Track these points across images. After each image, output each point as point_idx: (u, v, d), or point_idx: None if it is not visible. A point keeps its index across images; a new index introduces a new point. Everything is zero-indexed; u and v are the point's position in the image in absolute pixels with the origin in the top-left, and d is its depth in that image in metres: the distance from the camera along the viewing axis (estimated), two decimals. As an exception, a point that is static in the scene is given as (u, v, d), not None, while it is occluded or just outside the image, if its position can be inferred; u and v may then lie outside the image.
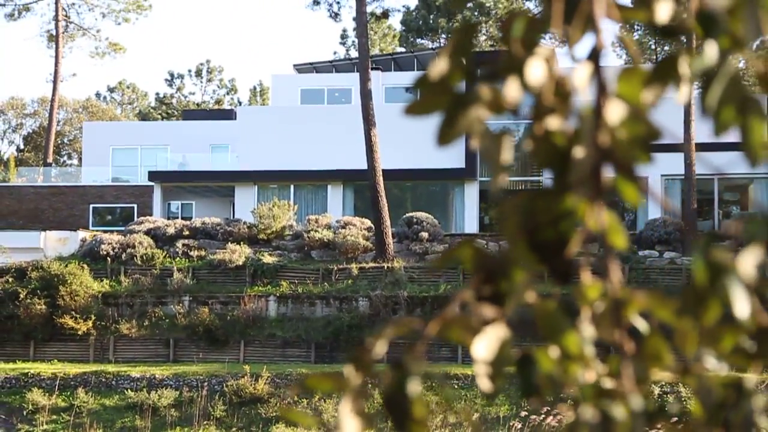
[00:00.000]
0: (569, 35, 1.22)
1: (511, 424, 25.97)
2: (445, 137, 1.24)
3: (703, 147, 37.32)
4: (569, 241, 1.20)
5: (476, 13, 72.99)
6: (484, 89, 1.21)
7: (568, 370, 1.20)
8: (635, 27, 78.43)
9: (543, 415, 25.52)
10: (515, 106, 1.23)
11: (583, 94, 1.25)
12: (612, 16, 1.24)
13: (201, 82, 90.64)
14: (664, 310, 1.23)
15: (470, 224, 43.12)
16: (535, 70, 1.22)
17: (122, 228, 41.29)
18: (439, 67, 1.24)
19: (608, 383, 1.21)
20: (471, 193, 43.70)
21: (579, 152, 1.19)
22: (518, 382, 1.23)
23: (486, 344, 1.23)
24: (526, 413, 25.91)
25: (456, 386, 28.52)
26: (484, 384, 1.21)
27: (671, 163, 39.19)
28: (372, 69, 39.01)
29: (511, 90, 1.22)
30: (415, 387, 1.23)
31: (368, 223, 37.57)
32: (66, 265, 34.35)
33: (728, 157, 39.84)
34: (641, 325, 1.23)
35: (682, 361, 1.25)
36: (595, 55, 1.21)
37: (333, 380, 1.28)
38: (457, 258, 1.25)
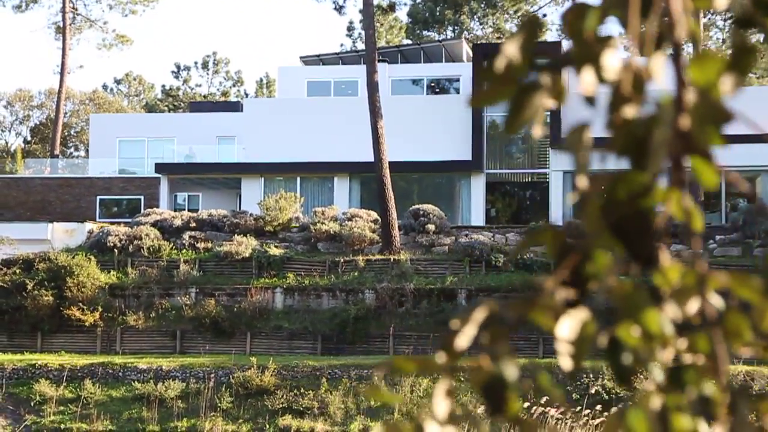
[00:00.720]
0: (637, 26, 1.25)
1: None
2: (512, 126, 1.29)
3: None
4: (651, 225, 1.23)
5: (482, 5, 72.91)
6: (547, 79, 1.24)
7: (653, 348, 1.23)
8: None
9: (544, 406, 25.54)
10: (591, 96, 1.25)
11: (659, 83, 1.30)
12: (686, 6, 1.27)
13: (207, 74, 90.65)
14: (745, 288, 1.26)
15: (477, 216, 43.11)
16: (612, 61, 1.25)
17: (129, 220, 41.35)
18: (506, 58, 1.27)
19: (692, 360, 1.24)
20: (477, 186, 43.68)
21: (658, 138, 1.23)
22: (611, 368, 1.26)
23: (569, 325, 1.26)
24: (529, 404, 25.92)
25: (462, 378, 28.50)
26: (566, 363, 1.24)
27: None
28: (379, 61, 38.99)
29: (587, 80, 1.25)
30: (512, 373, 1.26)
31: (375, 215, 37.58)
32: (73, 257, 34.43)
33: (736, 149, 39.80)
34: (719, 302, 1.27)
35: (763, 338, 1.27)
36: (677, 46, 1.25)
37: (418, 363, 1.31)
38: (539, 242, 1.29)
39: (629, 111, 1.26)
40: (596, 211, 1.25)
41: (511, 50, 1.29)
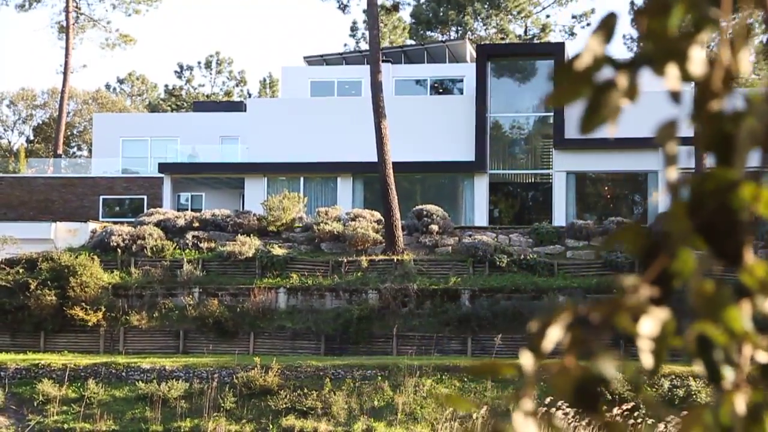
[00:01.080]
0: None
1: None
2: (589, 125, 1.29)
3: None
4: (738, 222, 1.23)
5: (486, 6, 72.90)
6: (622, 78, 1.24)
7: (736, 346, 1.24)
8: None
9: (548, 407, 25.51)
10: (676, 94, 1.24)
11: (747, 77, 1.30)
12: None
13: (210, 73, 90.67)
14: None
15: (480, 217, 43.10)
16: (700, 57, 1.25)
17: (132, 219, 41.37)
18: (586, 57, 1.27)
19: None
20: (481, 186, 43.67)
21: (745, 133, 1.23)
22: (704, 366, 1.26)
23: (651, 323, 1.26)
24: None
25: (465, 379, 28.53)
26: (647, 360, 1.24)
27: (682, 157, 39.09)
28: (382, 61, 38.98)
29: (673, 78, 1.25)
30: (611, 371, 1.26)
31: (378, 215, 37.57)
32: (76, 257, 34.43)
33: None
34: None
35: None
36: None
37: (504, 366, 1.32)
38: (621, 240, 1.29)
39: (717, 106, 1.26)
40: (682, 209, 1.24)
41: (591, 48, 1.28)
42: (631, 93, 1.27)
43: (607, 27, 1.29)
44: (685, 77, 1.27)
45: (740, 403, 1.24)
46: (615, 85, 1.27)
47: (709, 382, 1.27)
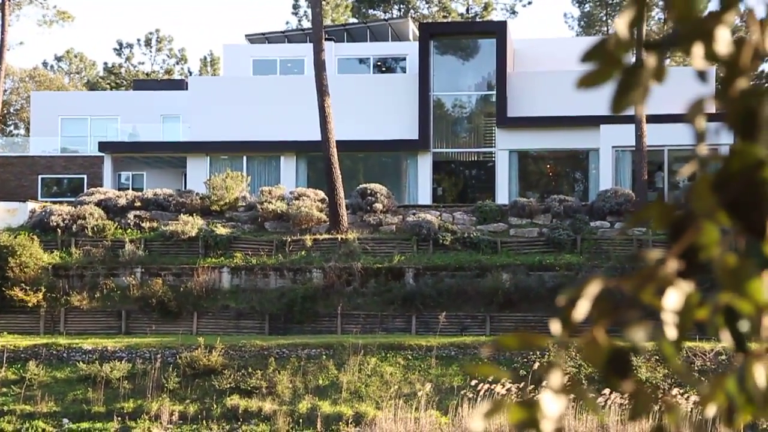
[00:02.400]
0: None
1: (463, 393, 26.16)
2: (619, 106, 1.30)
3: (653, 118, 37.62)
4: (763, 197, 1.24)
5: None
6: (651, 60, 1.24)
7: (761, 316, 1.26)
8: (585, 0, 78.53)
9: (490, 384, 25.75)
10: (703, 73, 1.26)
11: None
12: None
13: (150, 51, 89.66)
14: None
15: (423, 195, 43.20)
16: (726, 38, 1.26)
17: (72, 199, 40.83)
18: (615, 38, 1.27)
19: None
20: (424, 164, 43.75)
21: None
22: (730, 335, 1.29)
23: (675, 295, 1.28)
24: (477, 382, 26.13)
25: (409, 357, 28.64)
26: (671, 332, 1.26)
27: (622, 135, 39.54)
28: (325, 40, 38.80)
29: (698, 57, 1.25)
30: (643, 342, 1.27)
31: (322, 194, 37.49)
32: (15, 237, 33.93)
33: (678, 128, 40.23)
34: None
35: None
36: None
37: (526, 338, 1.31)
38: (649, 216, 1.30)
39: (743, 84, 1.27)
40: (707, 185, 1.25)
41: (620, 29, 1.29)
42: (659, 74, 1.28)
43: (635, 7, 1.29)
44: (712, 57, 1.28)
45: (760, 372, 1.26)
46: (644, 66, 1.28)
47: (736, 349, 1.30)
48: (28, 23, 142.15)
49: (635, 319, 1.29)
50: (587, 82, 1.34)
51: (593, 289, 1.31)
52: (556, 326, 1.31)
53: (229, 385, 27.46)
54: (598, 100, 42.21)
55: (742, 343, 1.28)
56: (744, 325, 1.27)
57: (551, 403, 1.32)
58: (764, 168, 1.25)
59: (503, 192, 42.18)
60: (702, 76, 1.32)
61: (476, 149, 44.47)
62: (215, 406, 27.05)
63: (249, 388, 27.40)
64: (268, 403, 26.98)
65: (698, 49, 1.27)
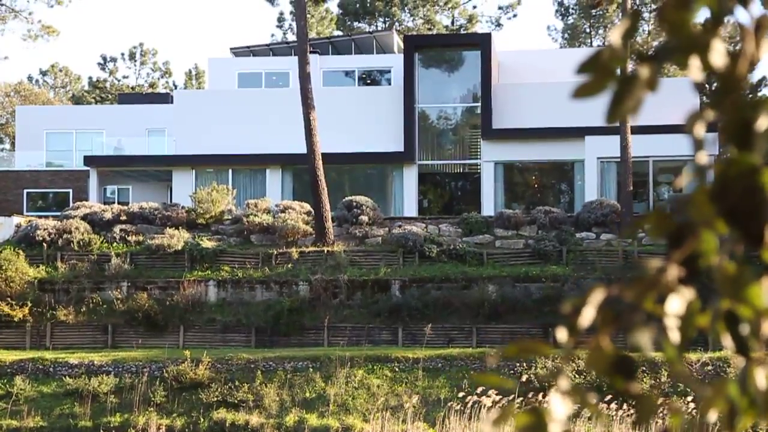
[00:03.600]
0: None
1: (450, 404, 26.17)
2: (614, 116, 1.36)
3: (638, 130, 37.81)
4: (761, 205, 1.30)
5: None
6: (644, 71, 1.30)
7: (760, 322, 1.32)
8: (570, 11, 78.93)
9: (478, 396, 25.76)
10: (698, 85, 1.33)
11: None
12: None
13: (135, 65, 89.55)
14: None
15: (409, 207, 43.27)
16: (720, 50, 1.32)
17: (58, 213, 40.75)
18: (610, 50, 1.33)
19: None
20: (410, 176, 43.83)
21: (765, 121, 1.31)
22: (730, 339, 1.34)
23: (677, 301, 1.33)
24: (464, 394, 26.15)
25: (396, 369, 28.65)
26: (675, 336, 1.32)
27: (607, 146, 39.70)
28: (310, 52, 38.88)
29: (694, 70, 1.31)
30: (648, 346, 1.33)
31: (308, 207, 37.52)
32: (0, 251, 33.84)
33: (663, 139, 40.41)
34: None
35: None
36: None
37: (533, 346, 1.37)
38: (647, 224, 1.36)
39: (739, 95, 1.33)
40: (705, 194, 1.31)
41: (615, 41, 1.34)
42: (652, 84, 1.34)
43: (629, 21, 1.35)
44: (707, 68, 1.34)
45: (761, 376, 1.31)
46: (638, 77, 1.34)
47: (737, 353, 1.35)
48: (13, 38, 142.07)
49: (639, 324, 1.34)
50: (582, 92, 1.38)
51: (597, 296, 1.36)
52: (562, 334, 1.36)
53: (216, 399, 27.41)
54: (583, 112, 42.47)
55: (744, 347, 1.33)
56: (744, 330, 1.32)
57: (559, 408, 1.36)
58: (760, 176, 1.30)
59: (489, 204, 42.29)
60: (699, 87, 1.39)
61: (461, 161, 44.59)
62: (202, 419, 26.99)
63: (236, 402, 27.36)
64: (255, 416, 26.94)
65: (694, 61, 1.33)
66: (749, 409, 1.32)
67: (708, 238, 1.32)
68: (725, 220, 1.32)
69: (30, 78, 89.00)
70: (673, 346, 1.36)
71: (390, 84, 47.79)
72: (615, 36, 1.37)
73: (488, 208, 41.54)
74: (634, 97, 1.36)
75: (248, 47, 53.18)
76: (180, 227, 36.42)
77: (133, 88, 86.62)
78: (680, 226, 1.34)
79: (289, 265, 34.16)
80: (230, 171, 44.45)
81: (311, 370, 28.53)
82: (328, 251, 34.46)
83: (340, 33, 70.30)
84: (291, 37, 71.92)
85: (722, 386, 1.34)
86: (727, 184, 1.31)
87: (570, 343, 1.36)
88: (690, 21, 1.33)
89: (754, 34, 1.33)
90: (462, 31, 73.21)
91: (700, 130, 1.37)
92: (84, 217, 37.37)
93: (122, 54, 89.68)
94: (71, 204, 42.51)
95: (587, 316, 1.34)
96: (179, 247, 34.80)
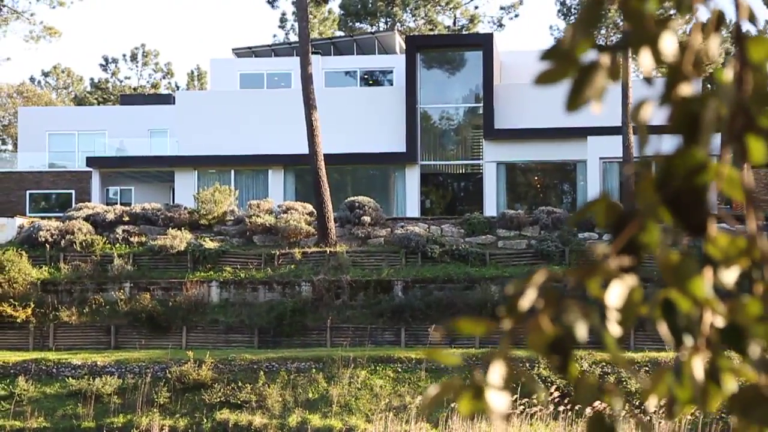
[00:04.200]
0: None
1: (453, 405, 26.18)
2: (573, 104, 1.38)
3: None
4: (704, 198, 1.32)
5: (415, -3, 73.06)
6: (605, 59, 1.32)
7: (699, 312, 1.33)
8: (572, 11, 79.01)
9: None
10: (648, 75, 1.35)
11: (715, 62, 1.39)
12: None
13: (136, 66, 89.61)
14: None
15: (411, 208, 43.28)
16: (671, 43, 1.33)
17: (60, 214, 40.78)
18: (569, 38, 1.35)
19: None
20: (412, 177, 43.84)
21: (711, 114, 1.32)
22: (667, 328, 1.36)
23: (618, 292, 1.35)
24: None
25: (399, 369, 28.67)
26: (614, 329, 1.34)
27: (609, 146, 39.70)
28: (312, 53, 38.90)
29: (645, 61, 1.33)
30: (582, 330, 1.34)
31: (310, 207, 37.53)
32: (4, 252, 33.87)
33: (666, 139, 40.55)
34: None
35: None
36: (739, 27, 1.35)
37: (480, 323, 1.40)
38: (593, 212, 1.38)
39: (686, 89, 1.35)
40: (650, 184, 1.33)
41: (575, 30, 1.36)
42: (614, 73, 1.36)
43: (590, 11, 1.36)
44: (658, 61, 1.35)
45: (698, 366, 1.33)
46: (599, 65, 1.36)
47: (673, 345, 1.37)
48: (15, 39, 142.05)
49: (578, 307, 1.36)
50: (544, 79, 1.41)
51: (539, 279, 1.38)
52: (502, 313, 1.38)
53: (218, 399, 27.44)
54: (586, 112, 42.35)
55: (679, 337, 1.35)
56: (682, 320, 1.34)
57: (497, 390, 1.38)
58: (704, 168, 1.32)
59: (491, 204, 42.30)
60: (648, 81, 1.40)
61: (464, 161, 44.60)
62: (205, 420, 27.01)
63: (239, 402, 27.38)
64: (258, 417, 26.96)
65: (645, 54, 1.35)
66: (686, 397, 1.34)
67: (651, 227, 1.34)
68: (669, 210, 1.34)
69: (32, 79, 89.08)
70: (611, 333, 1.38)
71: (392, 84, 47.80)
72: (576, 24, 1.39)
73: (491, 209, 41.55)
74: (594, 85, 1.39)
75: (250, 48, 53.21)
76: (182, 228, 36.45)
77: (135, 89, 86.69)
78: (624, 215, 1.37)
79: (292, 266, 34.18)
80: (232, 172, 44.48)
81: (314, 370, 28.55)
82: (330, 252, 34.47)
83: (341, 33, 70.32)
84: (293, 37, 71.96)
85: (660, 376, 1.36)
86: (671, 175, 1.33)
87: (509, 324, 1.38)
88: (646, 12, 1.35)
89: (704, 28, 1.35)
90: (464, 32, 73.24)
91: (645, 122, 1.38)
92: (87, 218, 37.40)
93: (124, 55, 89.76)
94: (74, 205, 42.53)
95: (529, 297, 1.37)
96: (182, 248, 34.82)
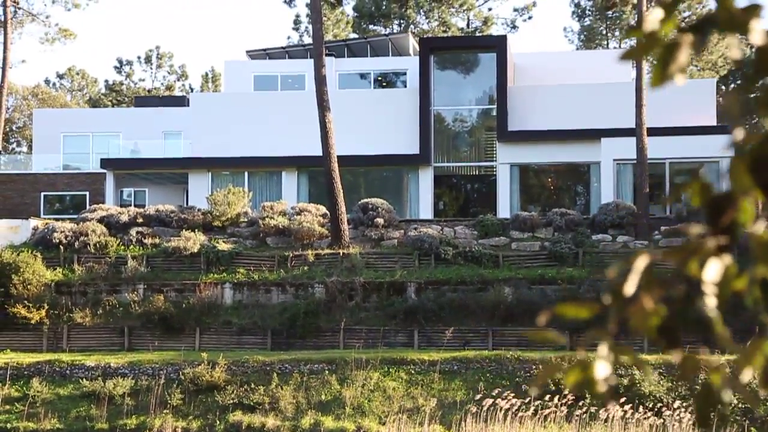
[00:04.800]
0: None
1: (467, 407, 26.14)
2: (659, 79, 1.41)
3: (654, 131, 37.71)
4: None
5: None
6: (689, 37, 1.34)
7: None
8: (586, 13, 78.78)
9: (494, 398, 25.73)
10: (736, 60, 1.40)
11: None
12: None
13: (151, 68, 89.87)
14: None
15: (425, 209, 43.24)
16: (760, 29, 1.36)
17: (74, 216, 40.89)
18: (655, 16, 1.37)
19: None
20: (425, 179, 43.80)
21: None
22: (765, 303, 1.39)
23: (715, 269, 1.38)
24: (481, 396, 26.11)
25: (412, 371, 28.63)
26: (711, 302, 1.37)
27: (623, 148, 39.58)
28: (326, 55, 38.91)
29: (734, 47, 1.38)
30: (712, 303, 1.37)
31: (323, 209, 37.54)
32: (18, 254, 33.97)
33: (679, 141, 40.29)
34: None
35: None
36: None
37: (584, 307, 1.42)
38: (686, 193, 1.41)
39: None
40: (744, 165, 1.35)
41: (659, 9, 1.38)
42: (697, 47, 1.38)
43: None
44: (748, 42, 1.38)
45: None
46: (682, 44, 1.37)
47: None
48: (31, 41, 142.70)
49: (680, 288, 1.38)
50: (630, 55, 1.43)
51: (642, 262, 1.40)
52: (607, 298, 1.40)
53: (232, 401, 27.46)
54: (599, 114, 42.38)
55: None
56: None
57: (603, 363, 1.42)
58: None
59: (504, 206, 42.22)
60: (737, 63, 1.43)
61: (477, 163, 44.53)
62: (218, 422, 27.03)
63: (252, 404, 27.39)
64: (270, 419, 26.96)
65: (733, 39, 1.37)
66: None
67: (746, 207, 1.36)
68: (762, 190, 1.36)
69: (47, 81, 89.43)
70: (713, 308, 1.40)
71: (405, 86, 47.77)
72: (657, 9, 1.41)
73: (504, 211, 41.47)
74: (678, 62, 1.41)
75: (264, 50, 53.28)
76: (196, 230, 36.50)
77: (149, 91, 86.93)
78: (719, 196, 1.40)
79: (305, 268, 34.18)
80: (246, 173, 44.53)
81: (327, 372, 28.54)
82: (343, 253, 34.46)
83: (355, 35, 70.36)
84: (307, 39, 72.02)
85: (758, 345, 1.38)
86: (764, 156, 1.36)
87: (615, 305, 1.41)
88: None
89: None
90: (477, 33, 73.17)
91: (736, 107, 1.43)
92: (101, 220, 37.49)
93: (139, 57, 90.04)
94: (88, 207, 42.66)
95: (633, 281, 1.39)
96: (195, 250, 34.87)
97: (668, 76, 1.43)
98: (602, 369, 1.45)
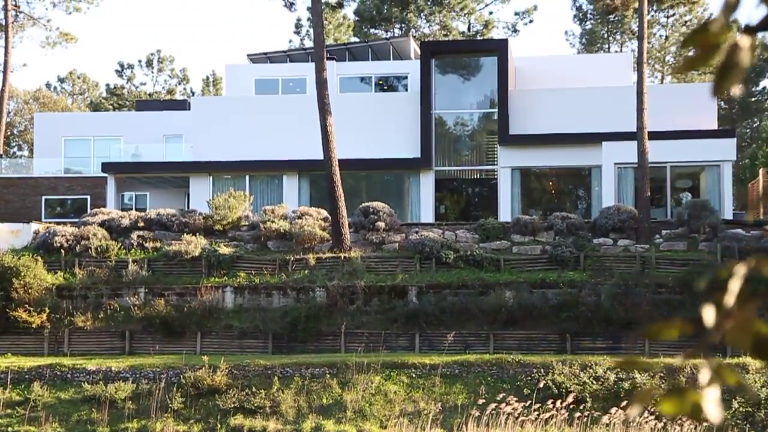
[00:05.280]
0: None
1: (470, 412, 26.12)
2: (720, 88, 1.39)
3: (655, 135, 37.71)
4: None
5: (429, 3, 73.04)
6: (745, 41, 1.32)
7: None
8: (588, 17, 78.75)
9: (498, 403, 25.72)
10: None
11: None
12: None
13: (152, 72, 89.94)
14: None
15: (426, 213, 43.22)
16: None
17: (75, 220, 40.91)
18: (716, 25, 1.35)
19: None
20: (426, 183, 43.79)
21: None
22: None
23: None
24: (484, 401, 26.10)
25: (413, 375, 28.61)
26: None
27: (624, 151, 39.60)
28: (327, 59, 38.92)
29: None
30: None
31: (325, 213, 37.53)
32: (19, 258, 33.97)
33: (680, 145, 40.26)
34: None
35: None
36: None
37: (674, 326, 1.37)
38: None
39: None
40: None
41: (720, 19, 1.36)
42: (753, 53, 1.37)
43: (730, 1, 1.37)
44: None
45: None
46: (741, 47, 1.36)
47: None
48: (32, 45, 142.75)
49: None
50: (689, 66, 1.43)
51: (740, 272, 1.35)
52: (708, 313, 1.33)
53: (233, 405, 27.44)
54: (600, 118, 42.39)
55: None
56: None
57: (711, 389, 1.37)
58: None
59: (506, 209, 42.20)
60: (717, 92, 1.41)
61: (478, 167, 44.52)
62: (219, 425, 27.02)
63: (253, 408, 27.38)
64: (272, 423, 26.95)
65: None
66: None
67: None
68: None
69: (48, 85, 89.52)
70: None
71: (407, 90, 47.78)
72: (720, 17, 1.40)
73: (505, 214, 41.46)
74: (739, 67, 1.39)
75: (265, 54, 53.31)
76: (197, 233, 36.50)
77: (150, 94, 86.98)
78: None
79: (306, 271, 34.18)
80: (247, 177, 44.53)
81: (328, 376, 28.52)
82: (344, 257, 34.46)
83: (356, 39, 70.38)
84: (308, 43, 72.06)
85: None
86: None
87: (718, 320, 1.34)
88: None
89: None
90: (478, 37, 73.19)
91: None
92: (102, 224, 37.50)
93: (140, 61, 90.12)
94: (89, 210, 42.68)
95: (733, 291, 1.33)
96: (196, 254, 34.88)
97: (731, 84, 1.41)
98: (712, 397, 1.38)
